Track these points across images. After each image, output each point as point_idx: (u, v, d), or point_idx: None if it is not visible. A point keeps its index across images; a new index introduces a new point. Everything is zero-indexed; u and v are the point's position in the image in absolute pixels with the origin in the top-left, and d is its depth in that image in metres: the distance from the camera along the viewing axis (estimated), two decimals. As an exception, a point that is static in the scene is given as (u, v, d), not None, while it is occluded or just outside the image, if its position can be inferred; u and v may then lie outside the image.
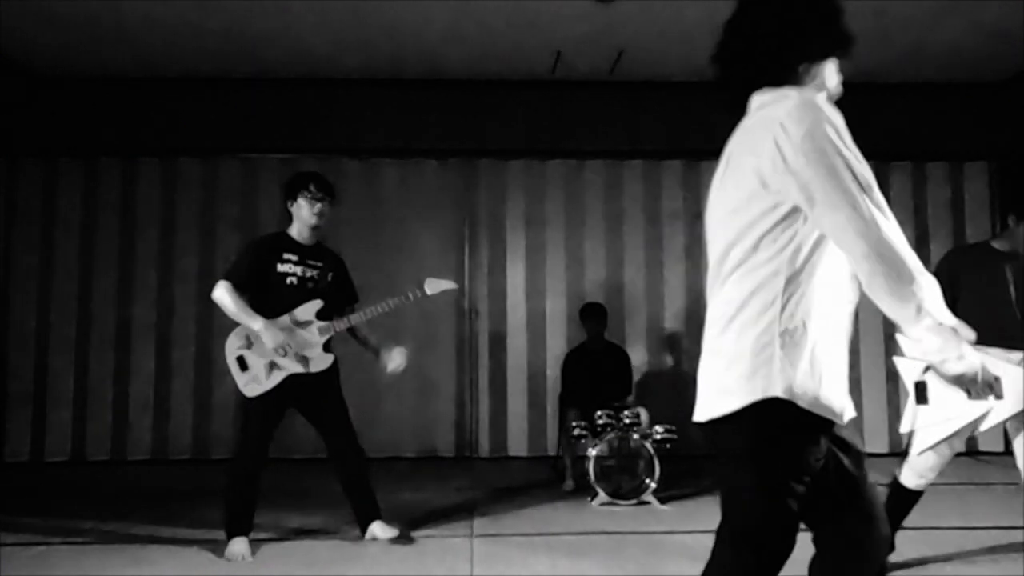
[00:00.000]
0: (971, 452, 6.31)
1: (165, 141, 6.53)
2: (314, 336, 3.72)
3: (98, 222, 6.52)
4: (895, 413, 6.62)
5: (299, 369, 3.68)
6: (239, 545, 3.61)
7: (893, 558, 3.28)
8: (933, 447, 3.08)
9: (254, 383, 3.65)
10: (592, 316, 5.60)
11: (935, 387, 2.99)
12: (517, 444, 6.52)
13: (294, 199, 3.81)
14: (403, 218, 6.63)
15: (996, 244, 3.20)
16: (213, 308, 6.42)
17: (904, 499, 3.19)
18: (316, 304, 3.74)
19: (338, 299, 3.88)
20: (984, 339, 2.91)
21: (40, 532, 4.05)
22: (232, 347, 3.68)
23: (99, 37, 5.65)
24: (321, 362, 3.74)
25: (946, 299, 3.21)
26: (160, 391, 6.42)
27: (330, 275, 3.85)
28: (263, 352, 3.63)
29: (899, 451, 6.45)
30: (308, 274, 3.78)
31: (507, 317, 6.64)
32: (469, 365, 6.58)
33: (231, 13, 5.30)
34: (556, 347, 6.55)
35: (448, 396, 6.55)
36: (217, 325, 6.47)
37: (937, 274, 3.36)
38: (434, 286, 3.82)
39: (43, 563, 3.56)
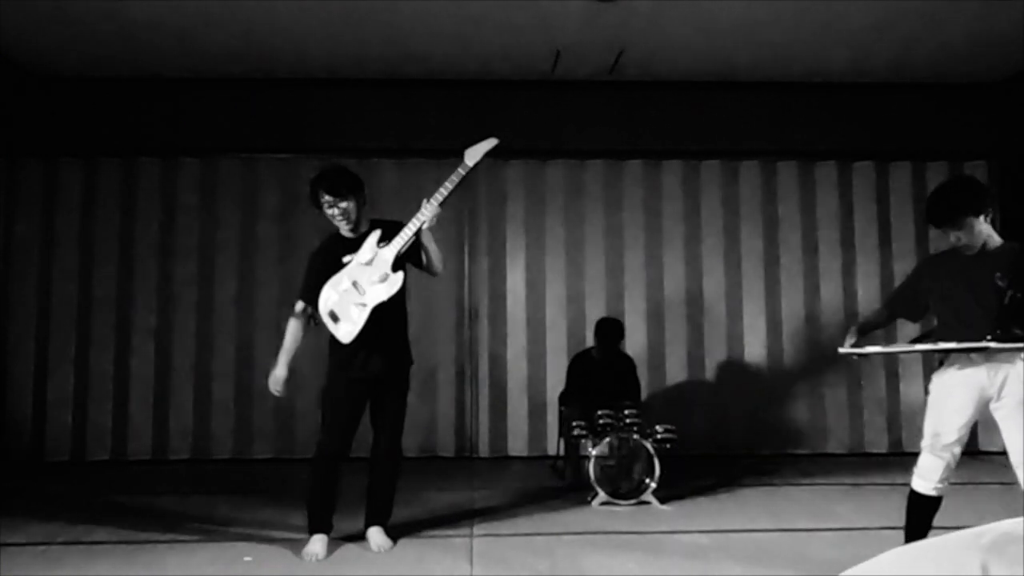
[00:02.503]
0: (971, 452, 6.30)
1: (165, 141, 6.53)
2: (381, 257, 3.64)
3: (98, 222, 6.51)
4: (895, 413, 6.63)
5: (381, 296, 3.60)
6: (315, 544, 3.67)
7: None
8: (858, 352, 3.26)
9: (349, 325, 3.58)
10: (610, 333, 5.52)
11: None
12: (517, 444, 6.52)
13: (318, 208, 3.77)
14: (403, 218, 6.59)
15: (961, 247, 3.20)
16: (213, 308, 6.52)
17: (920, 505, 3.19)
18: (374, 241, 3.67)
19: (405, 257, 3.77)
20: (955, 337, 2.99)
21: (40, 532, 4.05)
22: (325, 305, 3.63)
23: (99, 37, 5.65)
24: (395, 282, 3.65)
25: (917, 306, 3.30)
26: (160, 391, 6.42)
27: (383, 244, 3.74)
28: (343, 295, 3.60)
29: (899, 451, 6.47)
30: (386, 293, 3.70)
31: (507, 317, 6.64)
32: (469, 365, 6.58)
33: (231, 13, 5.30)
34: (556, 347, 6.56)
35: (448, 396, 6.55)
36: (217, 325, 6.49)
37: (906, 286, 3.41)
38: (474, 153, 3.71)
39: (43, 563, 3.56)
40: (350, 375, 3.72)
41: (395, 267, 3.70)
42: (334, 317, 3.61)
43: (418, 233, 3.68)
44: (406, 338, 3.91)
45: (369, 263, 3.65)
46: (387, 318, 3.69)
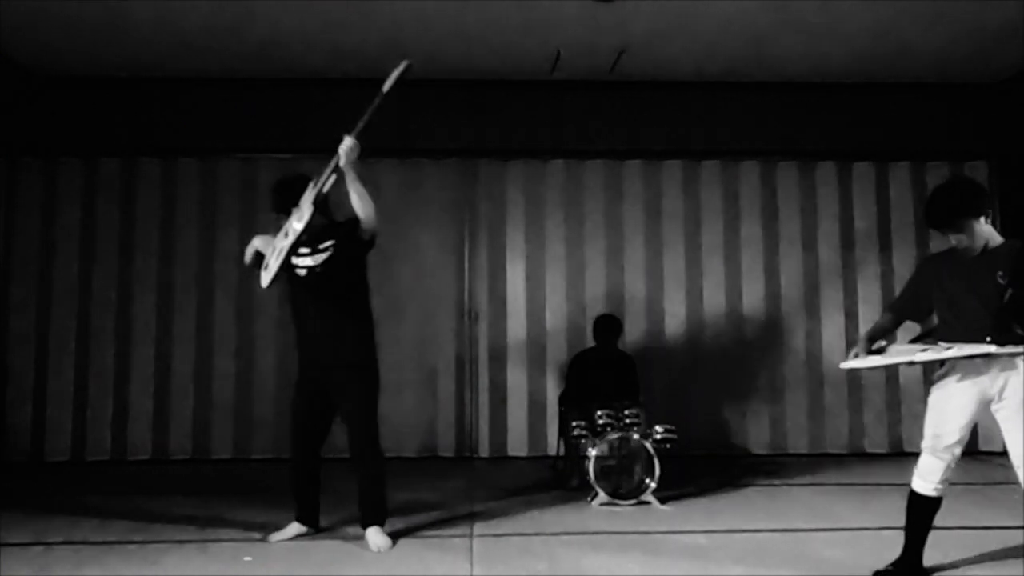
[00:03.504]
0: (971, 452, 6.29)
1: (165, 141, 6.52)
2: (305, 200, 3.56)
3: (98, 222, 6.51)
4: (895, 413, 6.62)
5: (307, 261, 3.61)
6: (287, 529, 3.83)
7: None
8: (859, 366, 3.29)
9: (266, 273, 3.60)
10: (607, 329, 5.57)
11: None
12: (517, 444, 6.52)
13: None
14: (403, 218, 6.62)
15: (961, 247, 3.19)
16: (213, 308, 6.51)
17: (920, 506, 3.19)
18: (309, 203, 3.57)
19: (341, 240, 3.74)
20: (956, 337, 2.99)
21: (40, 532, 4.04)
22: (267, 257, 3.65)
23: (99, 37, 5.66)
24: (322, 255, 3.64)
25: (921, 308, 3.29)
26: (160, 391, 6.42)
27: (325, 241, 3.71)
28: (276, 249, 3.61)
29: (899, 451, 6.47)
30: (313, 261, 3.72)
31: (507, 317, 6.63)
32: (469, 365, 6.57)
33: (231, 14, 5.30)
34: (556, 347, 6.55)
35: (448, 396, 6.55)
36: (217, 325, 6.49)
37: (909, 288, 3.40)
38: (389, 80, 3.69)
39: (43, 563, 3.55)
40: (303, 370, 3.76)
41: (327, 236, 3.66)
42: (265, 266, 3.61)
43: (338, 170, 3.58)
44: (362, 330, 3.82)
45: (299, 217, 3.56)
46: (334, 308, 3.68)
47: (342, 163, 3.58)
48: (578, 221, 6.72)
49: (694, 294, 6.71)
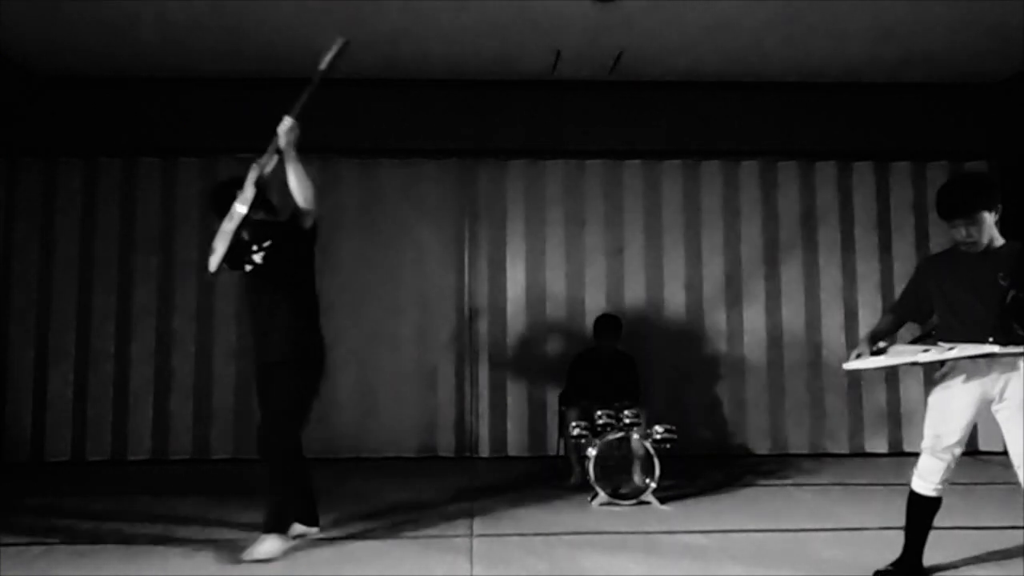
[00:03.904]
0: (971, 452, 6.30)
1: (165, 141, 6.52)
2: (248, 181, 3.54)
3: (98, 222, 6.51)
4: (895, 413, 6.62)
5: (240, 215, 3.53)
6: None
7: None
8: (862, 367, 3.27)
9: (214, 257, 3.52)
10: (608, 329, 5.57)
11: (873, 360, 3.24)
12: (517, 444, 6.52)
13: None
14: (403, 218, 6.62)
15: (966, 244, 3.18)
16: (214, 308, 6.51)
17: (920, 506, 3.19)
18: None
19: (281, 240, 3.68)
20: (957, 337, 2.98)
21: (40, 532, 4.05)
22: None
23: (99, 37, 5.65)
24: (264, 255, 3.61)
25: (922, 308, 3.27)
26: (160, 391, 6.42)
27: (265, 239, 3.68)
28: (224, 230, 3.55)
29: (899, 451, 6.47)
30: (258, 258, 3.68)
31: (507, 317, 6.63)
32: (469, 365, 6.57)
33: (231, 13, 5.30)
34: (556, 347, 6.56)
35: (448, 396, 6.55)
36: (218, 325, 6.49)
37: (910, 288, 3.38)
38: (324, 58, 3.61)
39: (43, 563, 3.56)
40: (254, 361, 3.76)
41: (269, 233, 3.62)
42: (212, 251, 3.55)
43: (280, 152, 3.54)
44: (297, 327, 3.70)
45: (243, 200, 3.53)
46: (273, 304, 3.65)
47: (281, 144, 3.55)
48: (578, 221, 6.72)
49: (694, 294, 6.71)
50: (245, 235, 3.59)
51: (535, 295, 6.66)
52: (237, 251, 3.59)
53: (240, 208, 3.49)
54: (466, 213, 6.69)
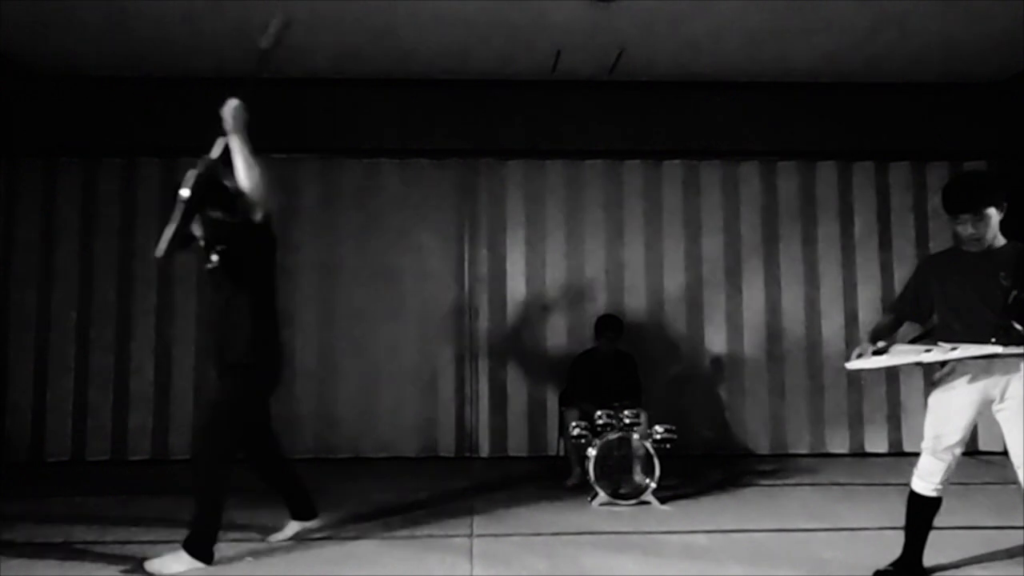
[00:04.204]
0: (971, 452, 6.30)
1: (165, 141, 6.52)
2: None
3: (98, 222, 6.51)
4: (895, 413, 6.62)
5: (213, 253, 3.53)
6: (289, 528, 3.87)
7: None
8: (864, 367, 3.22)
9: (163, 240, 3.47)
10: (608, 329, 5.56)
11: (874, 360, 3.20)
12: (517, 444, 6.52)
13: None
14: (403, 218, 6.62)
15: (968, 242, 3.18)
16: (213, 308, 6.50)
17: (920, 506, 3.19)
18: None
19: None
20: (957, 337, 2.98)
21: (41, 532, 4.04)
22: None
23: (99, 37, 5.65)
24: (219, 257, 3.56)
25: (922, 308, 3.25)
26: (160, 391, 6.42)
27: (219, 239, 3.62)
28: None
29: (899, 451, 6.47)
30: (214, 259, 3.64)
31: (507, 317, 6.63)
32: (469, 365, 6.58)
33: (231, 13, 5.30)
34: (556, 347, 6.55)
35: (448, 396, 6.55)
36: (217, 325, 6.48)
37: (910, 287, 3.37)
38: (265, 39, 3.55)
39: (43, 563, 3.55)
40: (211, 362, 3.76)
41: (224, 235, 3.55)
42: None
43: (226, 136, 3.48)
44: (243, 331, 3.55)
45: (185, 182, 3.51)
46: (225, 306, 3.59)
47: (227, 126, 3.48)
48: (578, 221, 6.72)
49: (694, 293, 6.71)
50: (197, 230, 3.54)
51: (534, 295, 6.66)
52: (187, 240, 3.53)
53: (183, 192, 3.43)
54: (466, 213, 6.69)
